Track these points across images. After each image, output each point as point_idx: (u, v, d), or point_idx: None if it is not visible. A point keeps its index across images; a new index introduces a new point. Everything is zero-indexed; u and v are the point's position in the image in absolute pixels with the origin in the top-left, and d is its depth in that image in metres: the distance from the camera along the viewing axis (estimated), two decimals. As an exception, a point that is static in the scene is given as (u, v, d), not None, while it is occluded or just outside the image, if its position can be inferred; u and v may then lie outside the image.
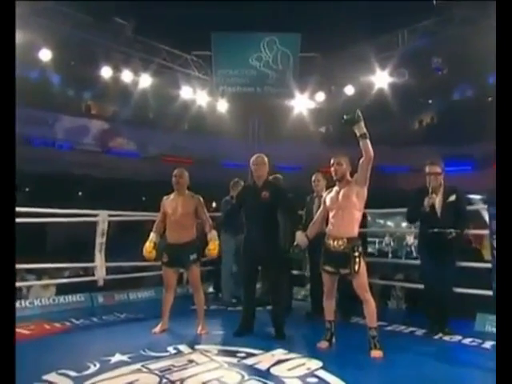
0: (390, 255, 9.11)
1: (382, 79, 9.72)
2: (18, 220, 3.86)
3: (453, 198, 3.60)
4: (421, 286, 3.99)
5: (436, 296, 3.64)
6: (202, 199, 3.80)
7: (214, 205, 6.83)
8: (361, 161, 3.08)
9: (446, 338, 3.53)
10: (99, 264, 4.90)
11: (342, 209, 3.14)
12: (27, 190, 10.74)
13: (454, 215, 3.55)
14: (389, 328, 3.85)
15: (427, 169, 3.66)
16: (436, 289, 3.64)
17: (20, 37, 7.73)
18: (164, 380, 2.55)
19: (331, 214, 3.22)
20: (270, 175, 3.88)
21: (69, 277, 5.92)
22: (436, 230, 3.57)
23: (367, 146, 3.01)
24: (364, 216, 3.48)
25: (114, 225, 5.42)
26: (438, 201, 3.59)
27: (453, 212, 3.56)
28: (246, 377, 2.61)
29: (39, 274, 6.28)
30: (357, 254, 3.06)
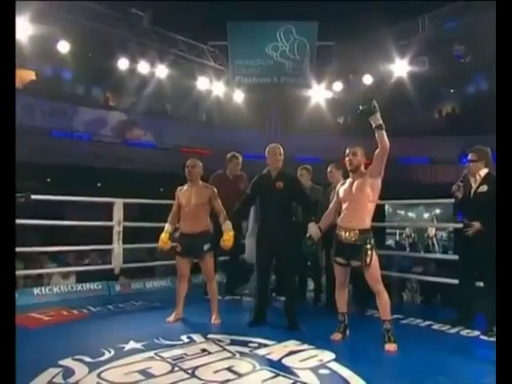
0: (407, 249, 8.95)
1: (401, 68, 9.50)
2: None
3: (483, 188, 3.41)
4: (437, 280, 3.92)
5: (467, 291, 3.56)
6: (215, 190, 3.80)
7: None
8: (376, 152, 3.01)
9: (464, 332, 3.46)
10: (116, 252, 4.98)
11: (355, 200, 3.09)
12: (48, 180, 10.97)
13: (486, 207, 3.26)
14: (404, 321, 3.80)
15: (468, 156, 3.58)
16: (469, 284, 3.56)
17: (40, 30, 7.88)
18: (176, 368, 2.58)
19: (344, 206, 3.17)
20: (285, 165, 3.84)
21: (87, 264, 6.07)
22: (463, 221, 3.48)
23: (383, 137, 2.94)
24: (378, 207, 3.41)
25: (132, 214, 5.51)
26: (472, 191, 3.48)
27: (484, 204, 3.31)
28: (258, 367, 2.62)
29: (60, 263, 6.44)
30: (369, 246, 3.01)
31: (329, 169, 4.33)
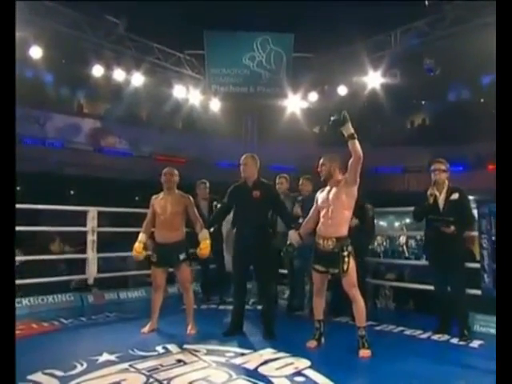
0: (381, 255, 9.13)
1: (374, 80, 9.76)
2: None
3: (455, 196, 3.60)
4: (410, 286, 4.01)
5: (443, 297, 3.67)
6: (192, 198, 3.79)
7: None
8: (350, 161, 3.08)
9: (435, 337, 3.56)
10: (91, 261, 4.88)
11: (332, 208, 3.16)
12: (18, 188, 10.63)
13: (456, 213, 3.53)
14: (378, 327, 3.87)
15: (432, 166, 3.72)
16: (443, 290, 3.67)
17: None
18: (151, 379, 2.54)
19: (321, 214, 3.24)
20: (261, 174, 3.88)
21: (59, 275, 5.88)
22: (437, 223, 3.59)
23: (355, 146, 3.01)
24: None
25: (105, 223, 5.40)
26: (441, 198, 3.65)
27: (455, 210, 3.55)
28: (234, 376, 2.61)
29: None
30: (346, 253, 3.08)
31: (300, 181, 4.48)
